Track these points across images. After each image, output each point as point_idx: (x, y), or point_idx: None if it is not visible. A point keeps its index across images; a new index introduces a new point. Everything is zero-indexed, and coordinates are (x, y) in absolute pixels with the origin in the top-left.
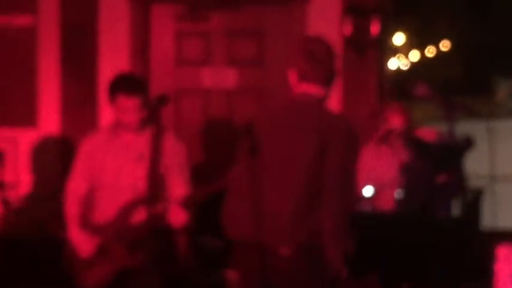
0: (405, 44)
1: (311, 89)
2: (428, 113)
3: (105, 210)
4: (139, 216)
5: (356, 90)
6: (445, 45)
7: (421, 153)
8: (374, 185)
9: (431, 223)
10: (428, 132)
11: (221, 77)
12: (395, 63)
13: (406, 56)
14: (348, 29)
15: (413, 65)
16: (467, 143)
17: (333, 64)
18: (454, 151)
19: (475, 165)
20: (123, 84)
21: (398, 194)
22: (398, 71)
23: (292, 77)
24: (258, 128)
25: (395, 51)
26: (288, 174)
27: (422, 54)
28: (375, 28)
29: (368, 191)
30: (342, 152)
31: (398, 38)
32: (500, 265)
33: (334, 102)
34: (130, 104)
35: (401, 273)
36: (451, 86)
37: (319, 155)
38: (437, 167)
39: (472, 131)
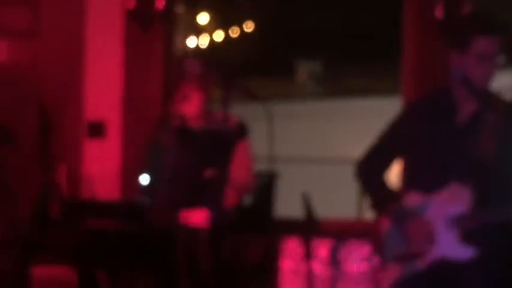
0: (209, 23)
1: None
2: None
3: None
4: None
5: (140, 68)
6: (248, 26)
7: (186, 142)
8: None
9: None
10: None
11: None
12: (194, 41)
13: (211, 36)
14: (130, 1)
15: (217, 45)
16: (241, 129)
17: None
18: (225, 139)
19: (257, 148)
20: None
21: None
22: (199, 50)
23: None
24: None
25: (200, 30)
26: None
27: (227, 34)
28: (160, 1)
29: (144, 179)
30: None
31: (203, 17)
32: (285, 260)
33: (115, 80)
34: None
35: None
36: (251, 68)
37: None
38: (205, 160)
39: (253, 114)
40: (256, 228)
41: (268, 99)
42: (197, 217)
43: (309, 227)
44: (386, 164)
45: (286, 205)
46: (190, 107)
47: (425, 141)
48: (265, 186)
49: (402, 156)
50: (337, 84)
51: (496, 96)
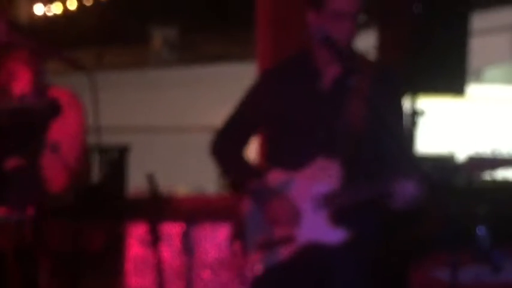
0: None
1: None
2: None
3: None
4: None
5: None
6: None
7: None
8: None
9: None
10: None
11: None
12: (41, 9)
13: (64, 4)
14: None
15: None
16: (52, 107)
17: None
18: (32, 120)
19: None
20: None
21: None
22: (48, 18)
23: None
24: None
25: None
26: None
27: (80, 1)
28: None
29: None
30: None
31: None
32: (131, 248)
33: None
34: None
35: None
36: (104, 36)
37: None
38: (6, 146)
39: (78, 84)
40: (100, 212)
41: (116, 67)
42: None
43: (154, 209)
44: (243, 139)
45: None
46: (20, 84)
47: (286, 111)
48: (114, 162)
49: (261, 128)
50: (193, 51)
51: (362, 58)
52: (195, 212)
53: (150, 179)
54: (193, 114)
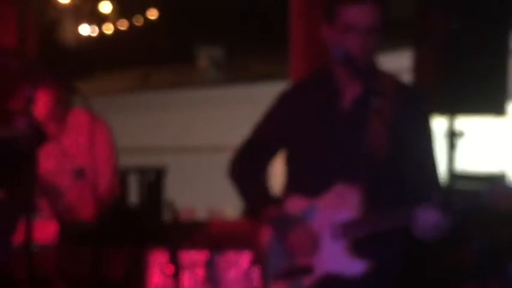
0: (113, 12)
1: None
2: None
3: None
4: None
5: None
6: (152, 13)
7: None
8: None
9: None
10: None
11: None
12: (86, 30)
13: (114, 24)
14: None
15: (120, 34)
16: (36, 133)
17: None
18: (12, 149)
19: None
20: None
21: None
22: (93, 38)
23: None
24: None
25: (103, 19)
26: None
27: (131, 23)
28: None
29: None
30: None
31: (105, 6)
32: (154, 276)
33: None
34: None
35: None
36: (154, 56)
37: None
38: None
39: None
40: (122, 237)
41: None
42: None
43: (176, 237)
44: (263, 162)
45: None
46: (39, 108)
47: (303, 134)
48: (151, 185)
49: (282, 151)
50: (238, 70)
51: (387, 78)
52: (218, 239)
53: (171, 206)
54: (240, 133)
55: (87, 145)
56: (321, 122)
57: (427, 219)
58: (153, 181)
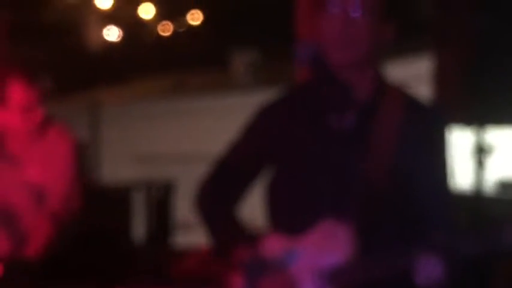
0: (156, 16)
1: None
2: None
3: None
4: None
5: None
6: (195, 16)
7: None
8: None
9: None
10: None
11: None
12: (114, 33)
13: (156, 28)
14: None
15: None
16: None
17: None
18: None
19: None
20: None
21: None
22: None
23: None
24: None
25: (143, 24)
26: None
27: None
28: None
29: None
30: None
31: (146, 10)
32: None
33: None
34: None
35: None
36: (188, 60)
37: None
38: None
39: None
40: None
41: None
42: None
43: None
44: (237, 190)
45: None
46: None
47: (288, 155)
48: (158, 203)
49: (261, 176)
50: (273, 73)
51: (392, 90)
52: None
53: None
54: None
55: (39, 153)
56: (308, 143)
57: (430, 268)
58: (161, 200)
